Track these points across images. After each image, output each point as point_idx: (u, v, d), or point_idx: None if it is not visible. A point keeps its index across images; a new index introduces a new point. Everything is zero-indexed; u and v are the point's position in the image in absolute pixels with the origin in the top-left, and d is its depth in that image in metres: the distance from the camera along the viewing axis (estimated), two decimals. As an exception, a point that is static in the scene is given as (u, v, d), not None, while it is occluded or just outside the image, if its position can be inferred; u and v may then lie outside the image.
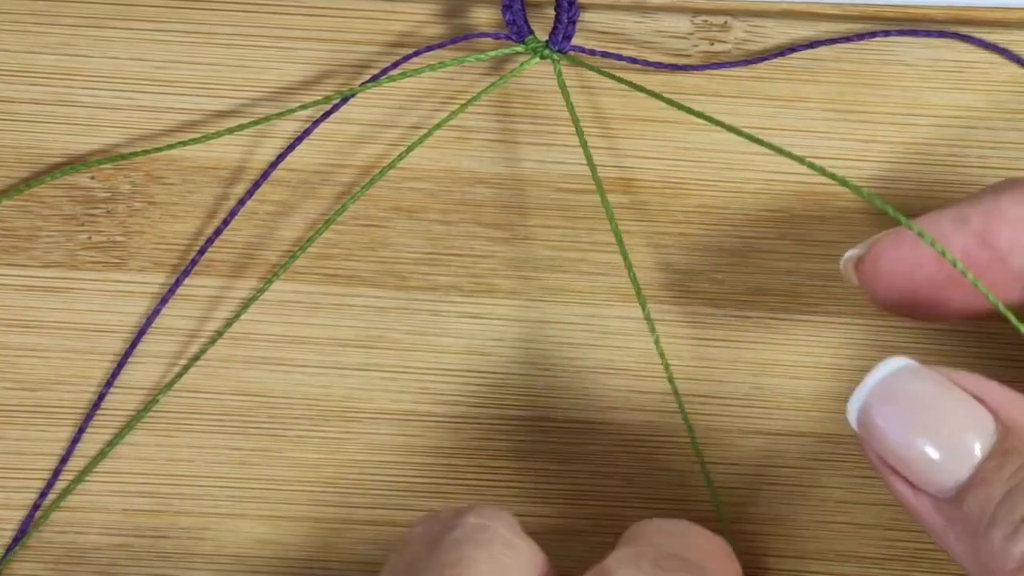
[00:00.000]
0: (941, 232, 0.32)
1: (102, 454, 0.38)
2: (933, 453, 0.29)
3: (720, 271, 0.38)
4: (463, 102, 0.38)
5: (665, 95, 0.36)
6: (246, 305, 0.38)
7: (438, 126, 0.37)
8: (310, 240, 0.38)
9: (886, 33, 0.38)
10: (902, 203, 0.37)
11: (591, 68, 0.37)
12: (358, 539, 0.39)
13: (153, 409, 0.39)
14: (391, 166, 0.37)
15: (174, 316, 0.39)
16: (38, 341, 0.39)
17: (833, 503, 0.39)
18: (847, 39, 0.38)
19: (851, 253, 0.34)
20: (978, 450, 0.28)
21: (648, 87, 0.37)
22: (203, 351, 0.38)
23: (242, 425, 0.39)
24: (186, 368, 0.38)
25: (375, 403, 0.39)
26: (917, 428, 0.29)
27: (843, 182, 0.32)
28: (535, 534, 0.39)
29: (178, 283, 0.38)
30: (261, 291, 0.38)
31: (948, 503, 0.29)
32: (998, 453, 0.28)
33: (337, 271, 0.39)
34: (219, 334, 0.38)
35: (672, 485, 0.39)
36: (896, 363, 0.30)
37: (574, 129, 0.37)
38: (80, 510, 0.39)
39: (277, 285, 0.39)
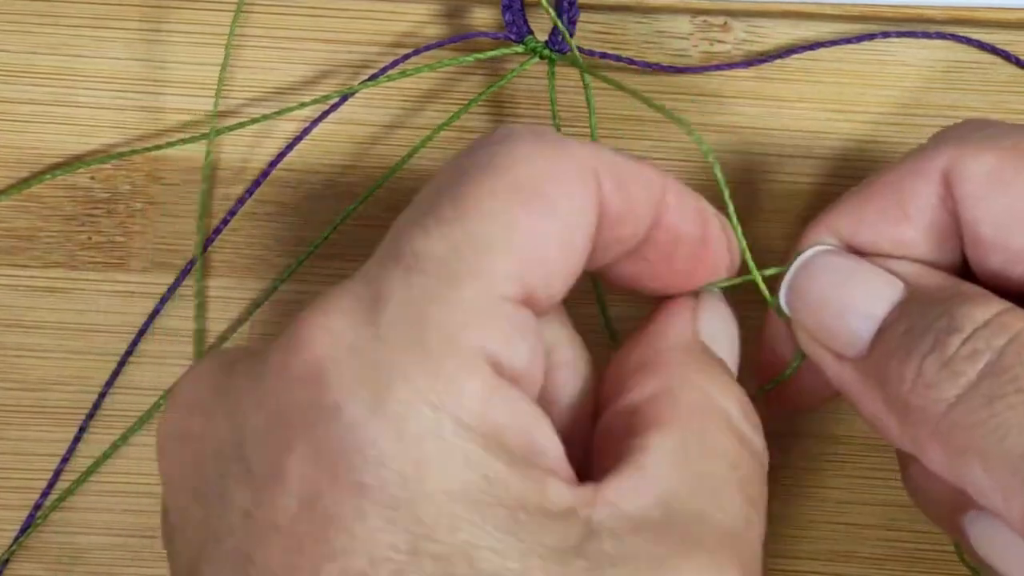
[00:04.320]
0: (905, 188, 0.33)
1: (105, 456, 0.38)
2: (847, 314, 0.32)
3: (720, 271, 0.38)
4: (463, 102, 0.38)
5: (662, 94, 0.37)
6: (257, 305, 0.38)
7: (439, 128, 0.37)
8: (320, 241, 0.38)
9: (885, 35, 0.38)
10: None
11: (582, 68, 0.37)
12: (358, 539, 0.39)
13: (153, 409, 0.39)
14: (395, 169, 0.38)
15: (174, 316, 0.39)
16: (38, 341, 0.39)
17: (833, 503, 0.39)
18: (847, 40, 0.38)
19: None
20: (886, 307, 0.31)
21: (647, 87, 0.37)
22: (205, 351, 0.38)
23: (242, 425, 0.39)
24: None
25: (375, 403, 0.39)
26: (834, 294, 0.32)
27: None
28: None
29: (178, 283, 0.38)
30: (270, 292, 0.38)
31: (863, 361, 0.31)
32: (901, 305, 0.31)
33: (338, 271, 0.39)
34: (224, 338, 0.38)
35: (672, 485, 0.39)
36: (812, 250, 0.33)
37: (574, 129, 0.37)
38: (80, 510, 0.39)
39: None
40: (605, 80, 0.35)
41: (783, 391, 0.35)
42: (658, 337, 0.32)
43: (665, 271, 0.33)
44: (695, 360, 0.32)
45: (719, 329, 0.33)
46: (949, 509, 0.32)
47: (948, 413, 0.29)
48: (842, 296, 0.32)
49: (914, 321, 0.30)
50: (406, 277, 0.27)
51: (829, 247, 0.33)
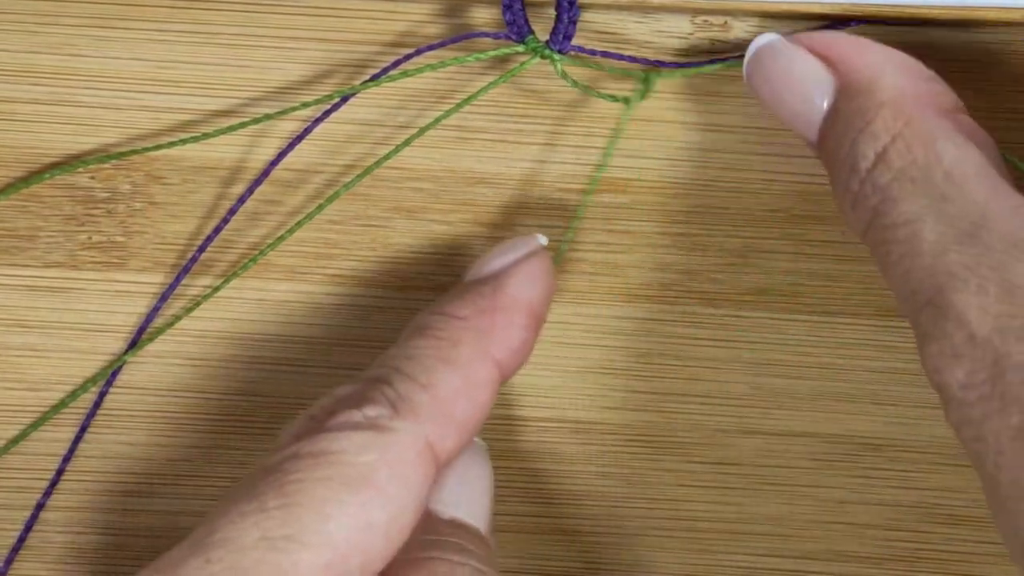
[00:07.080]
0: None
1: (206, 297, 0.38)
2: (794, 109, 0.35)
3: (720, 271, 0.38)
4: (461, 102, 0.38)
5: (662, 94, 0.37)
6: (212, 292, 0.38)
7: (431, 125, 0.37)
8: (289, 232, 0.38)
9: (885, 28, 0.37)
10: (902, 203, 0.37)
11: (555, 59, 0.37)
12: (358, 539, 0.39)
13: (154, 409, 0.39)
14: (377, 165, 0.37)
15: (174, 316, 0.39)
16: (38, 341, 0.39)
17: (833, 503, 0.39)
18: (847, 39, 0.38)
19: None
20: (824, 102, 0.34)
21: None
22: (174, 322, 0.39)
23: (242, 425, 0.39)
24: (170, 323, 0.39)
25: (375, 403, 0.39)
26: (779, 91, 0.35)
27: None
28: (535, 534, 0.39)
29: (177, 281, 0.38)
30: (229, 279, 0.38)
31: (817, 146, 0.34)
32: (837, 98, 0.34)
33: (338, 271, 0.39)
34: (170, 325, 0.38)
35: (672, 485, 0.39)
36: (762, 39, 0.36)
37: (575, 129, 0.37)
38: (80, 510, 0.39)
39: (278, 285, 0.39)
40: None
41: None
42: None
43: None
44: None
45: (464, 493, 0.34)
46: None
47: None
48: (785, 91, 0.35)
49: (846, 112, 0.33)
50: (204, 568, 0.27)
51: (771, 38, 0.35)
